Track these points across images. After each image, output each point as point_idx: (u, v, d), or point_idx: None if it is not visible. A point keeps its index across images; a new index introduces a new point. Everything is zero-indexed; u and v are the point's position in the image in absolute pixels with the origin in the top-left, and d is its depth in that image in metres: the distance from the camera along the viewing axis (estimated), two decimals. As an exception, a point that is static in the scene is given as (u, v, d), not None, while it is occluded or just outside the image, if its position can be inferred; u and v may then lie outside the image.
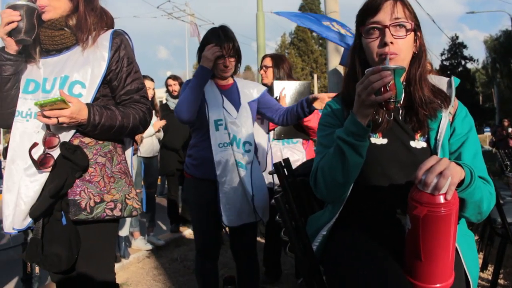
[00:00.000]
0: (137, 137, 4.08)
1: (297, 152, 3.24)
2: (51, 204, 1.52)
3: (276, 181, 3.03)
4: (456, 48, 36.27)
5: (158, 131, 4.80)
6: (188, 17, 16.11)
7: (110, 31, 1.70)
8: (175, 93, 5.27)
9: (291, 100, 3.13)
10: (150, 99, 3.85)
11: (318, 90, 33.61)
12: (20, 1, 1.54)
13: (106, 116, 1.60)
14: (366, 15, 1.42)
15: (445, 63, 35.23)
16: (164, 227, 6.22)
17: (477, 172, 1.23)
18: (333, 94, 1.86)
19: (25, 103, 1.64)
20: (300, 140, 3.30)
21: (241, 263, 2.57)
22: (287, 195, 1.56)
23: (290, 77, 3.35)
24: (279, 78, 3.27)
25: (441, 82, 1.52)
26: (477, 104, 36.23)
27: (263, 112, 2.58)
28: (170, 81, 5.36)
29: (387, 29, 1.36)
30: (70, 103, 1.49)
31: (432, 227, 1.13)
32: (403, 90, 1.25)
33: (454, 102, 1.48)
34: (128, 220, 4.37)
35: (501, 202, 2.96)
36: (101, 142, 1.67)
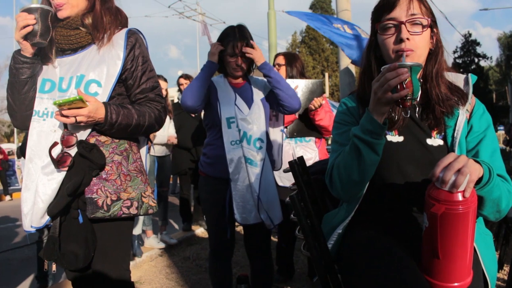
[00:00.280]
0: (151, 136, 4.10)
1: (309, 151, 3.24)
2: (68, 202, 1.54)
3: (285, 182, 3.06)
4: (469, 46, 35.91)
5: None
6: (199, 16, 16.13)
7: (125, 30, 1.71)
8: (187, 92, 5.28)
9: (304, 98, 3.12)
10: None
11: (330, 89, 33.51)
12: (34, 4, 1.55)
13: (123, 114, 1.61)
14: (382, 11, 1.41)
15: (458, 61, 34.92)
16: (176, 226, 6.25)
17: (495, 170, 1.21)
18: None
19: (42, 103, 1.65)
20: (313, 138, 3.29)
21: (255, 262, 2.57)
22: (303, 193, 1.55)
23: (302, 75, 3.34)
24: (292, 77, 3.26)
25: (457, 79, 1.51)
26: (491, 102, 35.83)
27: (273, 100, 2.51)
28: (182, 80, 5.38)
29: (403, 26, 1.35)
30: (87, 102, 1.50)
31: (450, 225, 1.12)
32: (420, 87, 1.24)
33: (471, 99, 1.46)
34: (141, 218, 4.40)
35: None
36: (117, 140, 1.69)
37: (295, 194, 1.48)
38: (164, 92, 4.50)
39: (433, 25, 1.41)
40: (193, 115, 5.14)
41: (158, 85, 1.77)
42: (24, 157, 1.68)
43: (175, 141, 4.85)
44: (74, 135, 1.59)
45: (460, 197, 1.10)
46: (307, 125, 3.23)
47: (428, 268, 1.22)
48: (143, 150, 1.82)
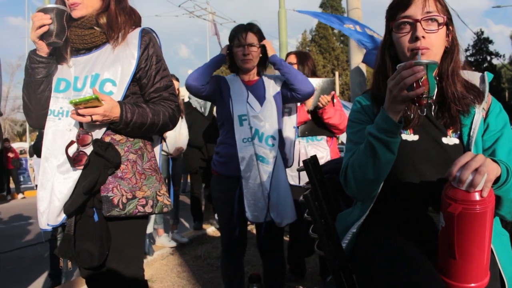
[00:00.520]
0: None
1: (321, 150, 3.23)
2: (84, 200, 1.55)
3: (296, 179, 3.05)
4: (481, 44, 35.52)
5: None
6: (209, 16, 16.12)
7: (138, 29, 1.71)
8: (197, 91, 5.29)
9: (315, 96, 3.11)
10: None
11: (340, 88, 33.38)
12: (49, 4, 1.57)
13: (138, 113, 1.61)
14: (397, 9, 1.40)
15: (470, 59, 34.54)
16: (187, 225, 6.27)
17: None
18: None
19: (57, 102, 1.67)
20: (325, 137, 3.28)
21: (267, 261, 2.57)
22: (317, 192, 1.55)
23: (314, 74, 3.33)
24: (303, 75, 3.25)
25: (473, 77, 1.49)
26: (503, 101, 35.38)
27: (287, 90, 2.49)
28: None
29: (418, 23, 1.34)
30: (103, 101, 1.51)
31: (467, 225, 1.11)
32: (436, 85, 1.23)
33: (488, 97, 1.44)
34: (153, 217, 4.42)
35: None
36: (131, 139, 1.69)
37: (309, 193, 1.48)
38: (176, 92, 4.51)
39: (449, 22, 1.40)
40: (202, 113, 5.15)
41: (171, 84, 1.78)
42: (37, 156, 1.69)
43: (179, 152, 4.84)
44: (90, 134, 1.60)
45: (477, 196, 1.09)
46: (318, 124, 3.23)
47: (444, 268, 1.21)
48: (157, 149, 1.83)
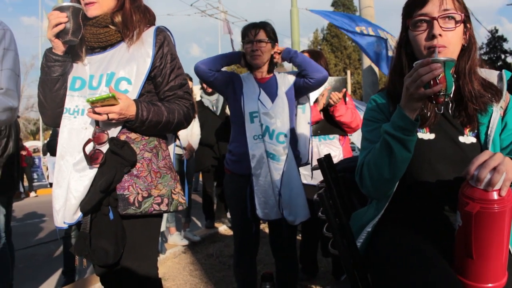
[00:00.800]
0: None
1: (334, 148, 3.22)
2: (100, 199, 1.56)
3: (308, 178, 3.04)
4: (495, 42, 35.09)
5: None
6: (222, 14, 16.15)
7: (153, 28, 1.72)
8: (209, 90, 5.31)
9: (326, 96, 3.11)
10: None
11: (352, 87, 33.21)
12: (65, 2, 1.58)
13: (153, 112, 1.62)
14: (413, 7, 1.38)
15: (484, 57, 34.16)
16: (199, 223, 6.29)
17: None
18: None
19: (72, 100, 1.68)
20: (337, 136, 3.27)
21: (279, 260, 2.57)
22: (331, 191, 1.54)
23: (327, 72, 3.32)
24: (315, 74, 3.24)
25: (491, 75, 1.47)
26: (518, 100, 34.93)
27: (300, 84, 2.49)
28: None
29: (435, 21, 1.33)
30: (119, 100, 1.51)
31: (485, 224, 1.10)
32: (453, 83, 1.22)
33: (506, 96, 1.43)
34: (165, 215, 4.44)
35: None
36: (146, 137, 1.70)
37: (324, 192, 1.48)
38: (189, 91, 4.52)
39: (466, 20, 1.38)
40: (214, 111, 5.16)
41: (186, 82, 1.78)
42: (51, 154, 1.71)
43: (188, 154, 4.84)
44: (105, 132, 1.61)
45: (495, 195, 1.07)
46: (330, 123, 3.22)
47: (461, 268, 1.19)
48: (171, 147, 1.84)
